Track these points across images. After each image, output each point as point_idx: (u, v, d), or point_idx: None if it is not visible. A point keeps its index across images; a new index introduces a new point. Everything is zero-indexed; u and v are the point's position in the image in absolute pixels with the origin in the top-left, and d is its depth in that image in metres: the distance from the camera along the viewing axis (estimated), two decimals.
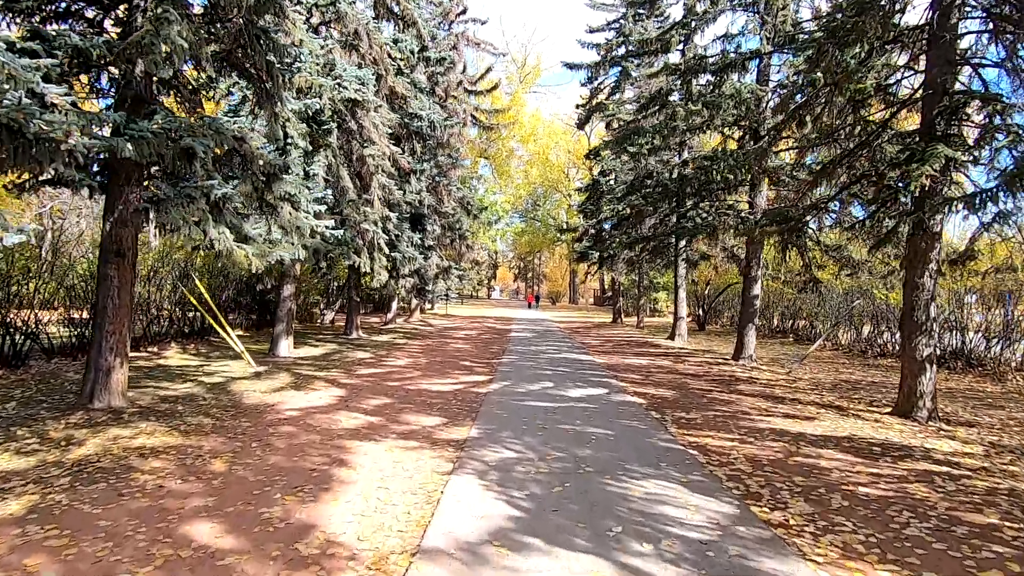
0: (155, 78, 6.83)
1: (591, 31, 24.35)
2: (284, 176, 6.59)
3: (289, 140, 8.34)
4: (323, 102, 10.13)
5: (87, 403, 6.57)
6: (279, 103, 7.11)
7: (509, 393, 7.95)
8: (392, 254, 15.63)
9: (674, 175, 13.14)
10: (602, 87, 27.19)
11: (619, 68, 25.78)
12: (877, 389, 9.07)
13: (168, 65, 5.49)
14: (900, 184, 6.24)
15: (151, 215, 5.30)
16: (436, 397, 7.66)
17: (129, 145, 5.23)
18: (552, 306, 55.06)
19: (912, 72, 7.33)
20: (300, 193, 6.74)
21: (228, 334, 9.69)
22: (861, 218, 9.19)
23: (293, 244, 7.06)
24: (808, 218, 7.79)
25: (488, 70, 25.29)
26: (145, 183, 6.58)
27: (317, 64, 10.24)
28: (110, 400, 6.63)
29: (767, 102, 11.28)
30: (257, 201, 7.03)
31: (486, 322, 26.17)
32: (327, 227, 7.77)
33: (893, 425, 6.37)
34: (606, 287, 51.02)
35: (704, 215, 11.77)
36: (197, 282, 9.71)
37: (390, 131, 14.66)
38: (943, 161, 5.74)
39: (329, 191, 9.48)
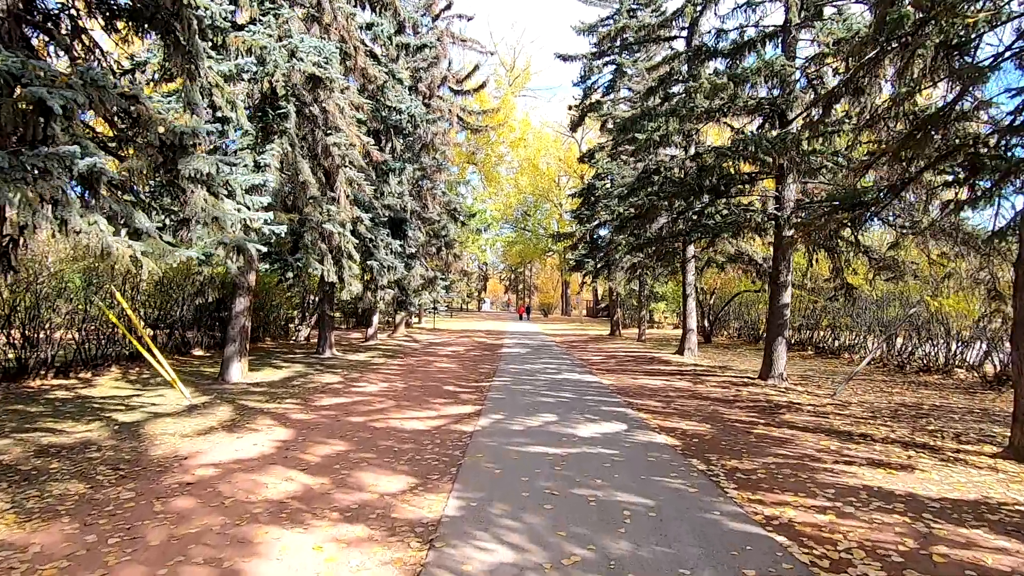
0: (23, 19, 5.13)
1: (585, 27, 22.95)
2: (197, 149, 4.87)
3: (220, 113, 6.62)
4: (275, 77, 8.46)
5: None
6: (197, 59, 5.43)
7: (502, 432, 6.22)
8: (368, 262, 13.92)
9: (686, 169, 11.58)
10: (595, 87, 25.82)
11: (614, 66, 24.46)
12: (949, 417, 7.44)
13: None
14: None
15: None
16: (408, 440, 5.91)
17: None
18: (544, 318, 53.37)
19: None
20: (221, 175, 5.04)
21: (154, 357, 7.89)
22: (938, 209, 7.60)
23: (204, 240, 5.32)
24: (889, 200, 6.18)
25: (475, 68, 23.77)
26: None
27: (270, 35, 8.59)
28: None
29: (796, 81, 9.77)
30: (169, 185, 5.31)
31: (476, 336, 24.42)
32: (266, 221, 6.05)
33: (1022, 476, 4.73)
34: (600, 298, 49.47)
35: (725, 212, 10.23)
36: (117, 295, 7.92)
37: (362, 121, 13.02)
38: None
39: (271, 178, 7.77)
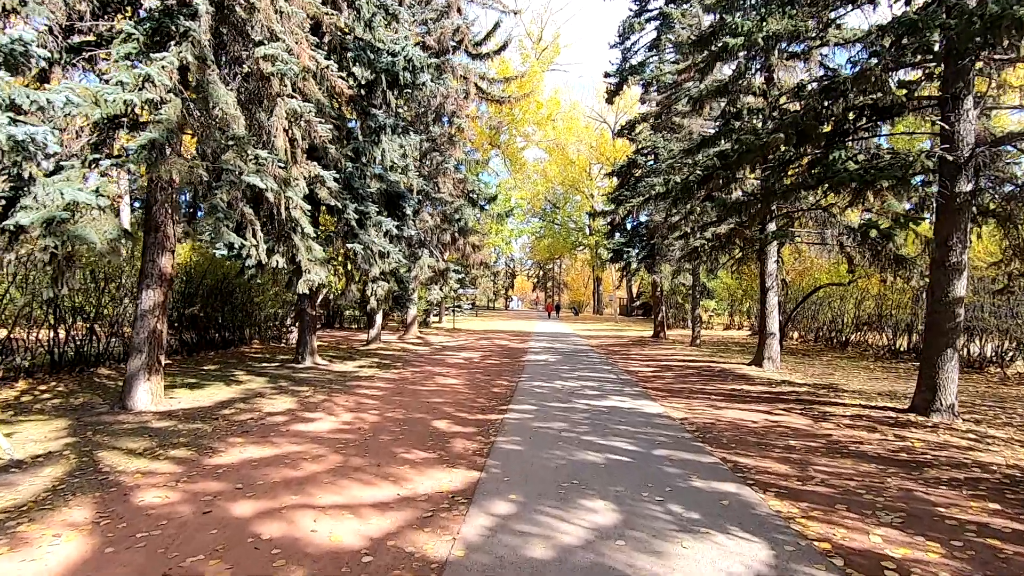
0: None
1: None
2: None
3: None
4: None
5: None
6: None
7: (504, 573, 2.89)
8: (350, 245, 10.76)
9: (777, 106, 8.01)
10: (636, 48, 22.20)
11: (658, 20, 20.83)
12: None
13: None
14: None
15: None
16: None
17: None
18: (575, 317, 49.74)
19: None
20: None
21: None
22: None
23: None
24: None
25: (496, 26, 20.37)
26: None
27: None
28: None
29: None
30: None
31: (497, 338, 21.05)
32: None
33: None
34: (636, 295, 45.61)
35: (861, 157, 6.69)
36: None
37: (351, 73, 9.92)
38: None
39: (161, 101, 4.60)
